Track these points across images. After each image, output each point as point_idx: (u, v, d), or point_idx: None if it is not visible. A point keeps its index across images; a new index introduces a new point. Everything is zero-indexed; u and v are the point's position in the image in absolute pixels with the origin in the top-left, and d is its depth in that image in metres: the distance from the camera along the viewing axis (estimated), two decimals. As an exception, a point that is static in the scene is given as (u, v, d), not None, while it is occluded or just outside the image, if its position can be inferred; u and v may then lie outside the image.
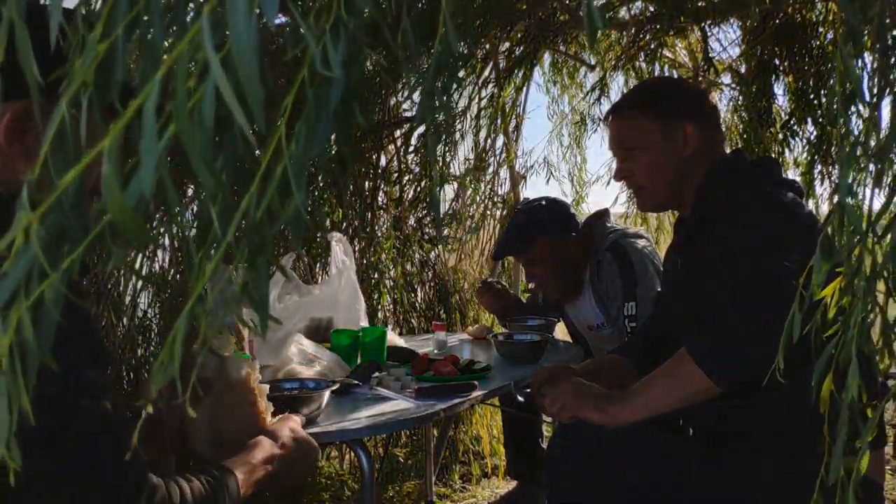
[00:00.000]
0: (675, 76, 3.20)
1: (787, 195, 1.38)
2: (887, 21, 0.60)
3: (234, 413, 1.12)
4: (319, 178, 2.44)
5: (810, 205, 2.64)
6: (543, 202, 2.35)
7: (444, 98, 0.40)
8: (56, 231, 0.30)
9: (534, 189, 2.65)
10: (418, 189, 3.16)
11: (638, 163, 1.52)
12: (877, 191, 0.61)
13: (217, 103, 0.29)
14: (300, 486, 1.10)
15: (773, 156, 2.80)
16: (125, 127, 0.31)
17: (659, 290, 1.97)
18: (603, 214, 2.36)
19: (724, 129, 1.63)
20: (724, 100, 3.34)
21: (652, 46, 2.94)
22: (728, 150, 1.59)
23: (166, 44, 0.33)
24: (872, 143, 0.61)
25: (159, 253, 2.40)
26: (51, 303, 0.31)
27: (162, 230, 2.25)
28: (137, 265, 2.30)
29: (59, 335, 0.36)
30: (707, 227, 1.44)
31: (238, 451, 1.06)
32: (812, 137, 2.74)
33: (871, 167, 0.61)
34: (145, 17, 0.31)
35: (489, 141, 3.46)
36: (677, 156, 1.49)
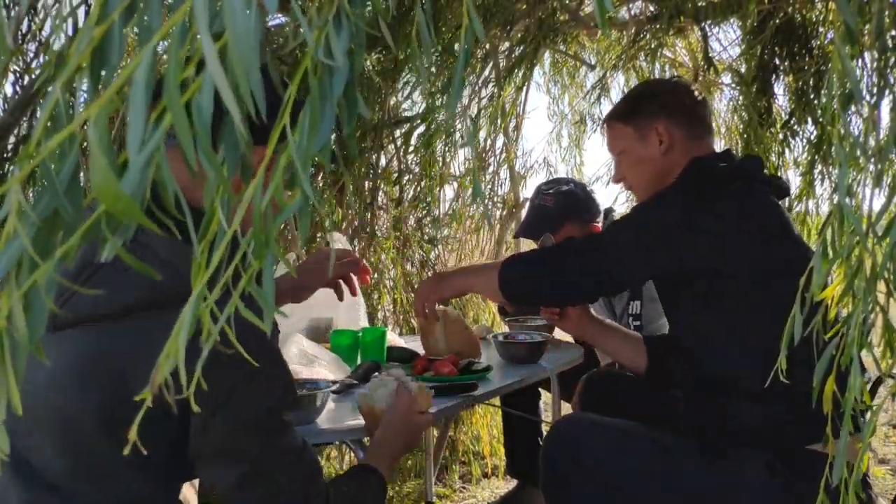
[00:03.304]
0: (670, 75, 3.20)
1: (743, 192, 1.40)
2: (886, 21, 0.60)
3: (462, 333, 1.86)
4: (320, 177, 2.44)
5: (810, 205, 2.65)
6: (572, 186, 2.37)
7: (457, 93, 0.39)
8: (50, 217, 0.30)
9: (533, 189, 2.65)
10: (418, 189, 3.16)
11: (625, 166, 1.61)
12: (876, 191, 0.61)
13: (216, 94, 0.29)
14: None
15: (773, 156, 2.80)
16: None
17: None
18: (610, 212, 2.38)
19: (712, 122, 1.65)
20: (724, 100, 3.34)
21: (652, 46, 2.93)
22: (728, 149, 1.61)
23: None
24: (871, 144, 0.60)
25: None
26: (42, 291, 0.30)
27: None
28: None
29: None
30: None
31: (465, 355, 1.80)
32: (812, 137, 2.73)
33: (871, 167, 0.60)
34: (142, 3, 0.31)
35: (489, 141, 3.46)
36: (655, 155, 1.54)
